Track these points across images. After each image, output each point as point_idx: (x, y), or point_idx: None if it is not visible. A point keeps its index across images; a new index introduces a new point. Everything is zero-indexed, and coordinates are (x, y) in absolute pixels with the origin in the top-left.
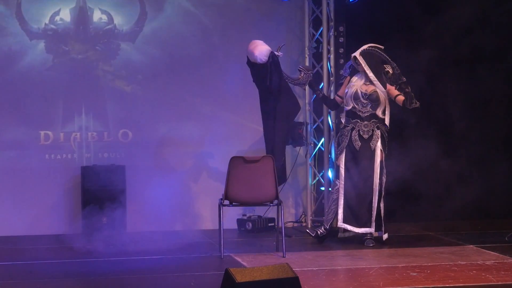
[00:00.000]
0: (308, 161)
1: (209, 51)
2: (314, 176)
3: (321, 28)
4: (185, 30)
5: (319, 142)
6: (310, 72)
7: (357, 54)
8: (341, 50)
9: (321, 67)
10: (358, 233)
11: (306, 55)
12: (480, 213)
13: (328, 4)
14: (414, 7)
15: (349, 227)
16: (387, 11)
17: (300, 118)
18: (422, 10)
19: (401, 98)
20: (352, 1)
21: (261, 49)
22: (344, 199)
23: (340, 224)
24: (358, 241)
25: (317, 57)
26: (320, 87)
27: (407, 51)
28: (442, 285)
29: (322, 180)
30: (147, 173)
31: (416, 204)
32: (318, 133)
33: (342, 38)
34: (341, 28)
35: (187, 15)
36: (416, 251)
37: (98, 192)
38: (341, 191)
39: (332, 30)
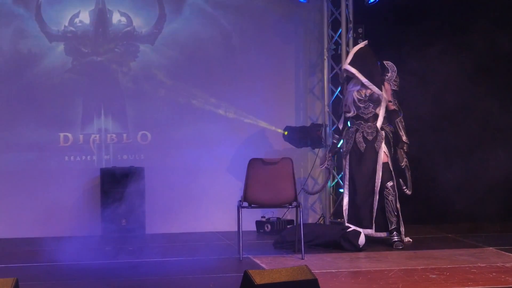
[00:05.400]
0: None
1: (227, 53)
2: (333, 178)
3: (340, 30)
4: (204, 32)
5: (338, 143)
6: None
7: (345, 66)
8: None
9: (340, 69)
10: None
11: (325, 57)
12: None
13: (347, 5)
14: (434, 7)
15: (353, 228)
16: (407, 12)
17: (319, 120)
18: (443, 9)
19: (391, 106)
20: (371, 2)
21: None
22: (348, 200)
23: (346, 224)
24: (381, 243)
25: (336, 59)
26: (338, 90)
27: (427, 52)
28: None
29: (341, 182)
30: (166, 175)
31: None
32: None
33: (361, 40)
34: (360, 30)
35: (206, 17)
36: (436, 253)
37: (117, 194)
38: (346, 192)
39: (351, 32)
